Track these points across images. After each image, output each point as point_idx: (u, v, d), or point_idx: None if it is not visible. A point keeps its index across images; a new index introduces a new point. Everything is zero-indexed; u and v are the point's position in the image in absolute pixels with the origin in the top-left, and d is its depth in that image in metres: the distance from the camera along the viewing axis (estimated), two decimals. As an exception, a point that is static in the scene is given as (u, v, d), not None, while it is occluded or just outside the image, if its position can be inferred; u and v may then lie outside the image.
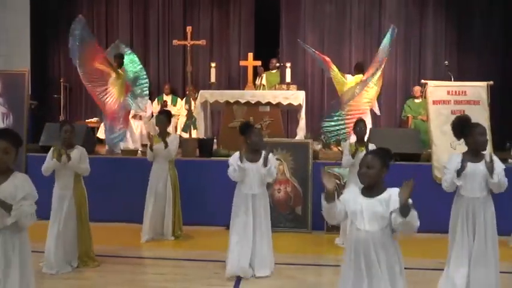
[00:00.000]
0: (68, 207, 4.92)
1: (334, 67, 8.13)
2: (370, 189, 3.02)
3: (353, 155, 5.64)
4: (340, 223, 3.15)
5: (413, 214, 2.82)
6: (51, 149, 4.99)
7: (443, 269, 4.12)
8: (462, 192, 3.95)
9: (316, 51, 8.40)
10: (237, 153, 4.80)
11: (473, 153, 3.96)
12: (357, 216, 2.99)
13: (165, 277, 4.81)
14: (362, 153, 5.29)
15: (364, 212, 2.97)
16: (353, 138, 6.43)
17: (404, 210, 2.79)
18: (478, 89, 6.87)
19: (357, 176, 3.07)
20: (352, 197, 3.06)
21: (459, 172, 3.89)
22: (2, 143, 2.99)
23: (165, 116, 6.23)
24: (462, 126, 4.00)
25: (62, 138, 4.98)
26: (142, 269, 5.18)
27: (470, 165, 3.90)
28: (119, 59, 8.09)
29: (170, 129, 7.56)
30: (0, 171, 3.03)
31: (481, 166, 3.89)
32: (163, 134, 6.09)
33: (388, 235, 2.97)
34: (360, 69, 8.67)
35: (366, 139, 6.00)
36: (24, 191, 3.00)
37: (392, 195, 2.92)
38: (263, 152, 4.78)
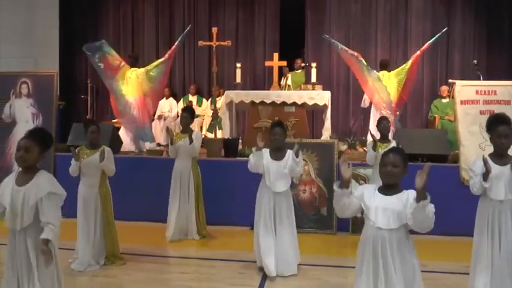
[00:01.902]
0: (94, 207, 5.00)
1: (362, 60, 8.15)
2: (389, 189, 2.99)
3: (374, 148, 5.65)
4: (349, 217, 3.12)
5: (430, 205, 2.80)
6: (77, 150, 5.07)
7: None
8: (488, 194, 3.82)
9: (344, 47, 8.36)
10: (264, 152, 4.82)
11: (499, 155, 3.86)
12: (374, 213, 2.96)
13: (190, 276, 4.84)
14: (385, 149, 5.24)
15: (382, 209, 2.94)
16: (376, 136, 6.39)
17: (420, 196, 2.78)
18: (508, 89, 6.73)
19: (380, 174, 3.03)
20: (368, 193, 3.02)
21: (485, 176, 3.78)
22: (25, 141, 3.05)
23: (188, 113, 6.23)
24: (489, 124, 3.91)
25: (88, 139, 5.06)
26: (167, 268, 5.22)
27: (495, 168, 3.78)
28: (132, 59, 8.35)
29: (195, 127, 7.61)
30: (24, 169, 3.09)
31: (507, 168, 3.77)
32: (187, 131, 6.12)
33: (405, 234, 2.96)
34: (384, 65, 8.63)
35: (390, 137, 5.96)
36: (45, 190, 3.02)
37: (410, 195, 2.91)
38: (287, 151, 4.78)
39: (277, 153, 4.79)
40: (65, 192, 3.16)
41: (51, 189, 3.05)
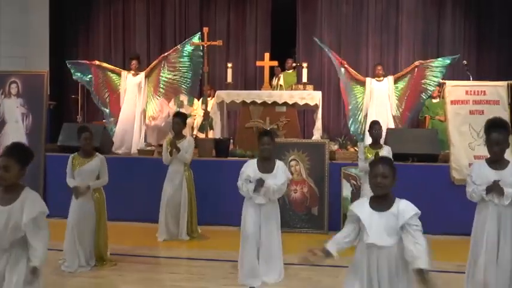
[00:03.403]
0: (88, 211, 4.97)
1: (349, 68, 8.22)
2: (381, 200, 2.95)
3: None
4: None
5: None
6: (71, 158, 5.04)
7: (462, 272, 4.07)
8: (491, 200, 3.81)
9: (332, 52, 8.46)
10: (251, 164, 4.63)
11: (494, 160, 3.83)
12: (369, 232, 2.91)
13: (181, 276, 4.83)
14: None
15: (377, 227, 2.89)
16: (368, 141, 6.38)
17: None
18: (497, 89, 6.78)
19: (370, 185, 2.98)
20: (363, 211, 2.97)
21: (489, 189, 3.76)
22: (3, 160, 2.95)
23: (180, 118, 6.23)
24: (486, 129, 3.87)
25: (81, 145, 5.05)
26: (158, 268, 5.21)
27: (492, 173, 3.78)
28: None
29: (186, 130, 7.58)
30: (7, 188, 2.98)
31: (506, 174, 3.75)
32: (179, 136, 6.13)
33: (401, 248, 2.89)
34: None
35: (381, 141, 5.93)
36: (33, 212, 2.94)
37: (400, 206, 2.88)
38: (276, 162, 4.59)
39: (266, 164, 4.57)
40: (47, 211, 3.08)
41: (40, 209, 2.99)
